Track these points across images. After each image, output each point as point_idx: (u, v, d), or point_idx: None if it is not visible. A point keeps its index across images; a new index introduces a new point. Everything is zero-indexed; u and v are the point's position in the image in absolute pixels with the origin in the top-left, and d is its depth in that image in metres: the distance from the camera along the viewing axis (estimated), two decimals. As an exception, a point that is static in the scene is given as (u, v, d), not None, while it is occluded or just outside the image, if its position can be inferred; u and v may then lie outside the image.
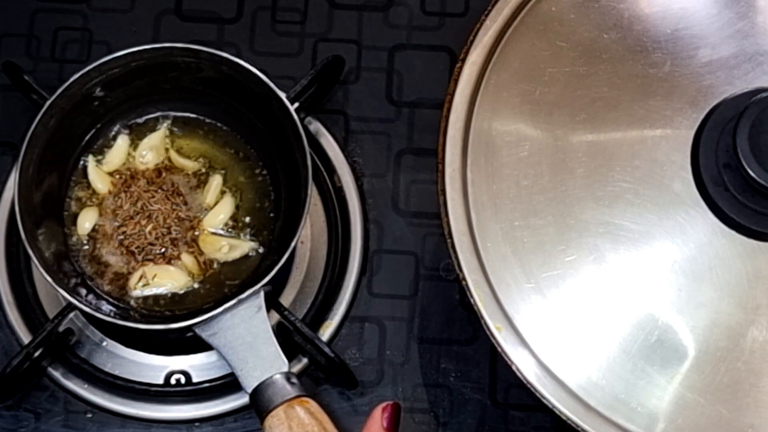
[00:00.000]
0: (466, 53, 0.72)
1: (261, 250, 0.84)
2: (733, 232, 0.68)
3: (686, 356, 0.67)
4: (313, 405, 0.74)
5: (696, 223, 0.68)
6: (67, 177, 0.85)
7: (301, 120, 0.89)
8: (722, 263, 0.68)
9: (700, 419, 0.67)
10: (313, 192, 0.89)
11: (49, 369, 0.85)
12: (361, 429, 0.72)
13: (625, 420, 0.67)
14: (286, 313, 0.83)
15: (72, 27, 0.92)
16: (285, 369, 0.75)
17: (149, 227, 0.84)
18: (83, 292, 0.82)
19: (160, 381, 0.85)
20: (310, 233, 0.88)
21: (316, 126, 0.90)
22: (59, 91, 0.80)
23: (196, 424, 0.85)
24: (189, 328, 0.77)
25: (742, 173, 0.64)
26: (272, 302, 0.84)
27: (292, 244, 0.78)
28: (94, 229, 0.84)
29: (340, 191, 0.89)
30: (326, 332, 0.86)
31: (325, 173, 0.89)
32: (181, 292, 0.83)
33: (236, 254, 0.84)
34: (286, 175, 0.84)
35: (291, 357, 0.85)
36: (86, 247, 0.84)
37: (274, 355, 0.76)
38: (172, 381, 0.85)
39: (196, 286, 0.83)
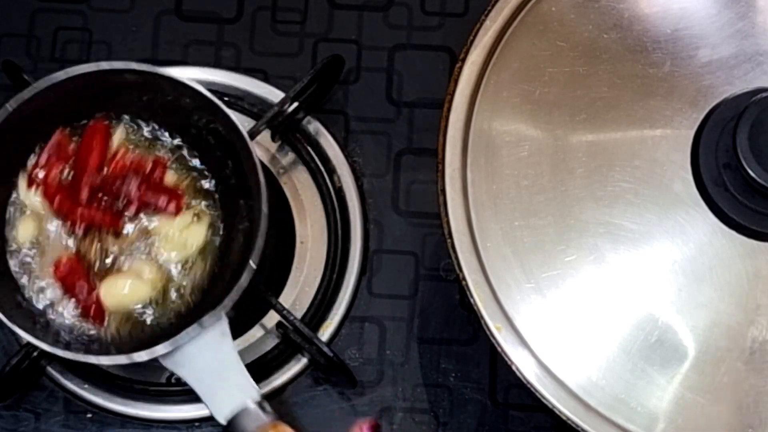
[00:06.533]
0: (466, 53, 0.72)
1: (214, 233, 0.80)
2: (733, 232, 0.68)
3: (686, 356, 0.68)
4: (287, 430, 0.73)
5: (696, 223, 0.68)
6: (8, 193, 0.80)
7: (301, 119, 0.89)
8: (722, 263, 0.68)
9: (700, 419, 0.67)
10: (313, 192, 0.89)
11: (49, 368, 0.85)
12: None
13: (625, 420, 0.67)
14: (285, 313, 0.83)
15: (72, 27, 0.92)
16: (256, 396, 0.74)
17: (92, 249, 0.79)
18: (41, 324, 0.77)
19: (160, 381, 0.85)
20: (310, 233, 0.88)
21: (316, 126, 0.90)
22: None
23: (196, 424, 0.85)
24: (154, 359, 0.74)
25: (742, 173, 0.64)
26: (271, 302, 0.84)
27: (249, 264, 0.75)
28: (36, 247, 0.79)
29: (340, 191, 0.89)
30: (326, 332, 0.86)
31: (325, 173, 0.89)
32: (150, 315, 0.79)
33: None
34: (242, 191, 0.80)
35: (290, 357, 0.85)
36: (34, 270, 0.79)
37: (244, 383, 0.74)
38: (172, 381, 0.85)
39: (157, 305, 0.79)
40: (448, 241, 0.69)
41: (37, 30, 0.92)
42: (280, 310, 0.84)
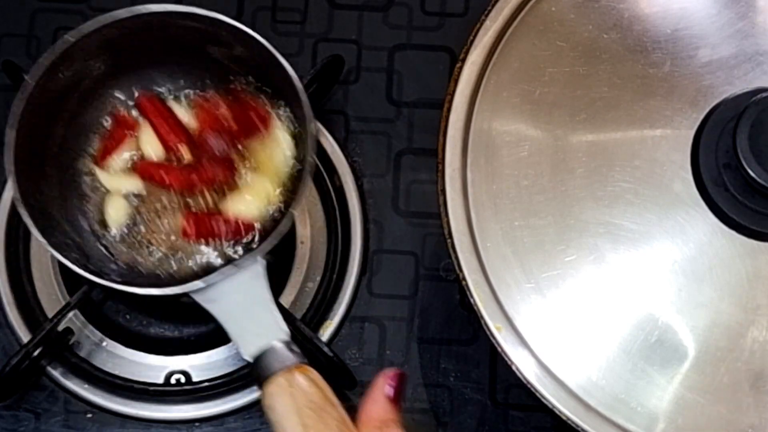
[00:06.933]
0: (466, 53, 0.72)
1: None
2: (733, 232, 0.68)
3: (686, 356, 0.68)
4: (313, 373, 0.73)
5: (696, 223, 0.68)
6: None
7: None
8: (722, 263, 0.68)
9: (700, 419, 0.67)
10: (313, 192, 0.89)
11: (49, 369, 0.85)
12: (364, 399, 0.71)
13: (625, 420, 0.67)
14: (285, 313, 0.83)
15: (72, 27, 0.91)
16: (285, 336, 0.74)
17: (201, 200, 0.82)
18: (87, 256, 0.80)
19: (160, 381, 0.85)
20: (310, 233, 0.88)
21: (316, 126, 0.90)
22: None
23: (196, 424, 0.85)
24: (187, 294, 0.75)
25: (742, 173, 0.64)
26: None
27: (294, 212, 0.77)
28: (136, 223, 0.82)
29: (340, 191, 0.89)
30: (326, 332, 0.86)
31: (325, 173, 0.89)
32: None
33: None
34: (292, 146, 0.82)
35: (291, 357, 0.85)
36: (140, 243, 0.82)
37: (274, 322, 0.75)
38: (172, 381, 0.85)
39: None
40: (448, 241, 0.69)
41: (37, 30, 0.92)
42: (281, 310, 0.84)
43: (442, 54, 0.92)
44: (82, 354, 0.85)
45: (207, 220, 0.81)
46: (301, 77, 0.86)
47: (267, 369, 0.73)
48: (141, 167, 0.82)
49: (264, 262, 0.76)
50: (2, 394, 0.83)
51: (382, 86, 0.91)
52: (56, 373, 0.85)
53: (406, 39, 0.92)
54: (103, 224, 0.82)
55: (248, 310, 0.75)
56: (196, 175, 0.81)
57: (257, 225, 0.81)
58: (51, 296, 0.87)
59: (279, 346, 0.73)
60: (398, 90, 0.91)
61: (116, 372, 0.85)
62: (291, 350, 0.73)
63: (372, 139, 0.90)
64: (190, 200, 0.82)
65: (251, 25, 0.92)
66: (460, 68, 0.71)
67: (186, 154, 0.82)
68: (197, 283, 0.75)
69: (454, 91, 0.71)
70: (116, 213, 0.82)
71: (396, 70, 0.92)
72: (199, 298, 0.76)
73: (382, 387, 0.70)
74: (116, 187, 0.82)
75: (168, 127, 0.83)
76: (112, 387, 0.85)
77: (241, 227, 0.81)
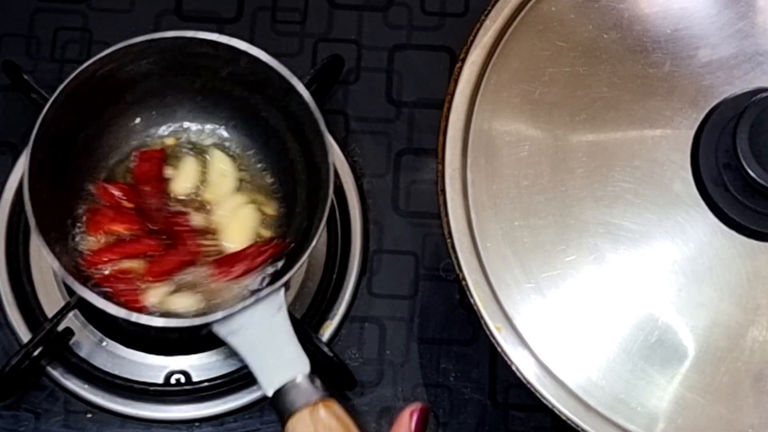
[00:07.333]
0: (466, 53, 0.72)
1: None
2: (733, 232, 0.68)
3: (686, 356, 0.68)
4: (336, 407, 0.73)
5: (696, 223, 0.68)
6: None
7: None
8: (722, 263, 0.68)
9: (700, 419, 0.67)
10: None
11: (49, 369, 0.85)
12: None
13: (625, 420, 0.67)
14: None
15: (72, 27, 0.92)
16: (307, 370, 0.74)
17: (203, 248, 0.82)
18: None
19: (160, 381, 0.85)
20: (310, 233, 0.88)
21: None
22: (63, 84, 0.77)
23: (196, 424, 0.85)
24: (207, 325, 0.75)
25: (742, 173, 0.64)
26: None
27: (313, 243, 0.76)
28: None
29: (340, 191, 0.89)
30: (326, 332, 0.86)
31: (325, 173, 0.89)
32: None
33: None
34: (306, 172, 0.82)
35: (291, 357, 0.85)
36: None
37: (296, 356, 0.74)
38: (172, 381, 0.85)
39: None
40: (448, 241, 0.69)
41: (37, 30, 0.92)
42: (280, 310, 0.84)
43: (442, 54, 0.92)
44: (83, 354, 0.85)
45: (230, 257, 0.81)
46: (301, 77, 0.86)
47: (290, 404, 0.73)
48: (152, 272, 0.81)
49: (284, 293, 0.76)
50: (2, 394, 0.83)
51: (382, 86, 0.91)
52: (56, 373, 0.85)
53: (406, 39, 0.92)
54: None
55: (270, 343, 0.75)
56: (174, 244, 0.81)
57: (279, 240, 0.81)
58: (51, 296, 0.87)
59: (302, 380, 0.73)
60: (398, 90, 0.91)
61: (116, 372, 0.85)
62: (314, 384, 0.73)
63: (372, 139, 0.90)
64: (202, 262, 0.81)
65: (251, 25, 0.93)
66: (460, 68, 0.71)
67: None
68: (216, 315, 0.75)
69: (454, 91, 0.71)
70: (185, 305, 0.81)
71: (396, 70, 0.92)
72: (219, 330, 0.75)
73: (407, 422, 0.69)
74: (166, 303, 0.81)
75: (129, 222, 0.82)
76: (112, 387, 0.85)
77: (267, 247, 0.81)
